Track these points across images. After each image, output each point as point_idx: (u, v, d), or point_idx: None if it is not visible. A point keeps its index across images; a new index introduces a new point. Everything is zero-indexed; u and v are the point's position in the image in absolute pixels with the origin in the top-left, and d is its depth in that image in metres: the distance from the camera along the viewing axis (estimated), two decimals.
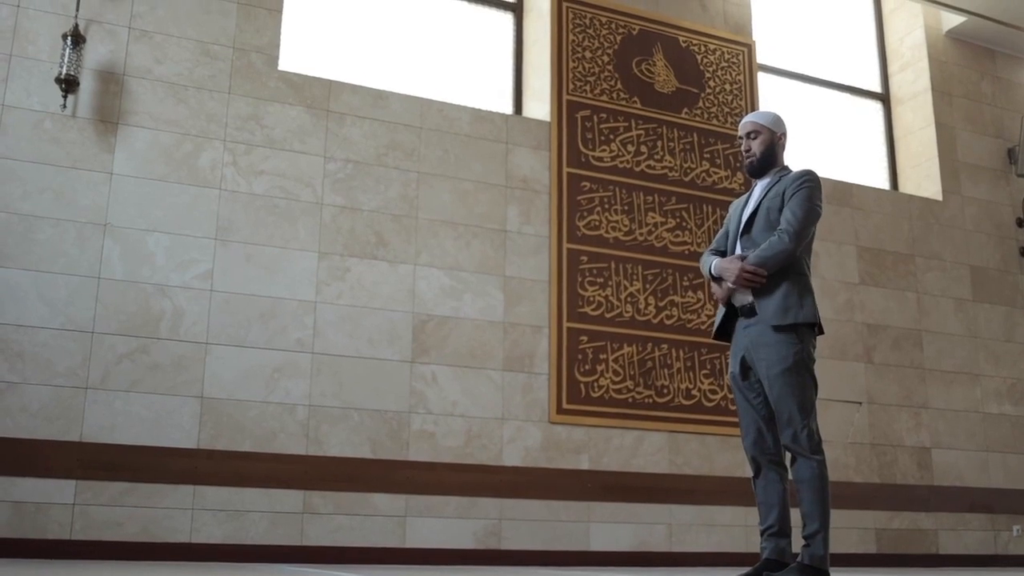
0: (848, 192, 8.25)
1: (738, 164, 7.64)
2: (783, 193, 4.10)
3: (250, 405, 5.89)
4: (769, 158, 4.23)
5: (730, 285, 4.08)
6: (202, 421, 5.77)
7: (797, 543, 3.95)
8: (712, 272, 4.18)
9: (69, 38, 5.80)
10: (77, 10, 5.91)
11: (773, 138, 4.24)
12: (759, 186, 4.25)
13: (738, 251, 4.17)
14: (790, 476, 4.03)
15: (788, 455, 4.02)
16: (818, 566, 3.80)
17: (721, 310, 4.20)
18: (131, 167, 5.92)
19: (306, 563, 5.70)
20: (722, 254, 4.28)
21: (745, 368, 4.10)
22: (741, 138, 4.29)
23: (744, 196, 4.36)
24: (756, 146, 4.23)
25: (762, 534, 4.02)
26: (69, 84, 5.78)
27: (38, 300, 5.56)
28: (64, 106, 5.80)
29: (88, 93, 5.93)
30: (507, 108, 7.46)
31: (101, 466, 5.50)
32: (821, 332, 4.09)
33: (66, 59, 5.78)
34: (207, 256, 5.98)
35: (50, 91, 5.81)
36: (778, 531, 3.99)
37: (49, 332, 5.55)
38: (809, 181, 4.11)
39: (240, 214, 6.11)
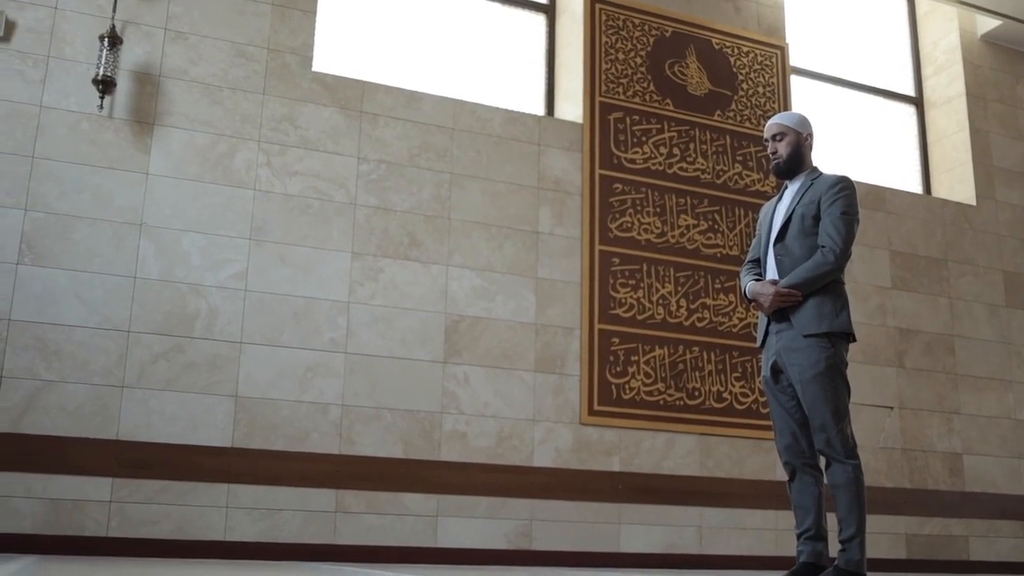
0: (881, 196, 8.20)
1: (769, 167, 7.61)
2: (818, 200, 4.07)
3: (283, 404, 5.93)
4: (796, 159, 4.21)
5: (765, 309, 4.07)
6: (236, 420, 5.81)
7: (834, 547, 3.94)
8: (747, 295, 4.18)
9: (106, 39, 5.85)
10: (114, 12, 5.95)
11: (799, 139, 4.21)
12: (790, 189, 4.23)
13: (771, 258, 4.15)
14: (825, 480, 4.02)
15: (823, 459, 4.00)
16: (855, 570, 3.79)
17: (763, 318, 4.18)
18: (167, 167, 5.97)
19: (338, 562, 5.72)
20: (758, 262, 4.27)
21: (776, 371, 4.09)
22: (767, 140, 4.28)
23: (774, 200, 4.34)
24: (782, 148, 4.22)
25: (798, 538, 4.01)
26: (106, 85, 5.83)
27: (75, 299, 5.61)
28: (101, 107, 5.85)
29: (124, 94, 5.98)
30: (539, 110, 7.47)
31: (137, 464, 5.55)
32: (854, 340, 4.07)
33: (103, 60, 5.83)
34: (241, 256, 6.02)
35: (87, 92, 5.87)
36: (815, 535, 3.97)
37: (86, 331, 5.60)
38: (845, 189, 4.08)
39: (274, 214, 6.14)
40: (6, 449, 5.33)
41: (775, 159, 4.23)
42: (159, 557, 5.43)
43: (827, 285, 3.99)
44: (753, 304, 4.18)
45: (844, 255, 4.00)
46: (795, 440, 4.04)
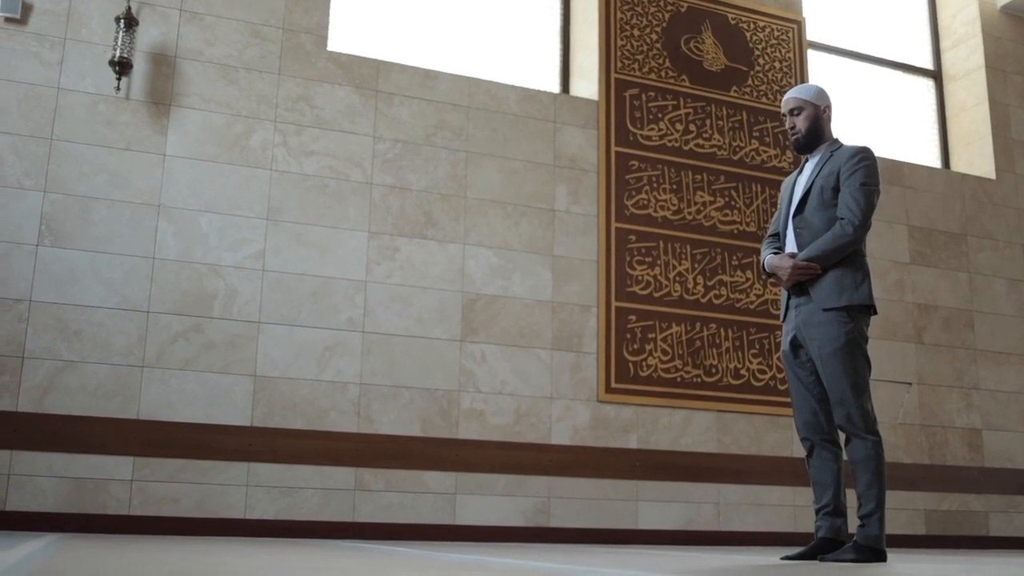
0: (899, 171, 8.16)
1: (787, 143, 7.58)
2: (838, 172, 4.02)
3: (302, 383, 5.96)
4: (816, 133, 4.15)
5: (783, 283, 4.04)
6: (255, 399, 5.84)
7: (853, 522, 3.94)
8: (766, 269, 4.15)
9: (122, 21, 5.86)
10: None
11: (817, 112, 4.15)
12: (810, 163, 4.18)
13: (790, 231, 4.12)
14: (844, 456, 4.01)
15: (843, 435, 3.99)
16: (874, 546, 3.78)
17: (784, 292, 4.16)
18: (183, 148, 5.99)
19: (358, 539, 5.76)
20: (779, 237, 4.24)
21: (796, 346, 4.07)
22: (785, 115, 4.22)
23: (794, 173, 4.29)
24: (801, 122, 4.16)
25: (817, 513, 4.01)
26: (122, 66, 5.85)
27: (94, 280, 5.65)
28: (118, 88, 5.87)
29: (141, 75, 6.00)
30: (555, 87, 7.45)
31: (158, 443, 5.59)
32: (875, 313, 4.04)
33: (119, 42, 5.84)
34: (259, 236, 6.04)
35: (104, 74, 5.89)
36: (833, 510, 3.97)
37: (106, 311, 5.64)
38: (865, 160, 4.02)
39: (291, 194, 6.16)
40: (29, 429, 5.38)
41: (794, 134, 4.17)
42: (180, 535, 5.47)
43: (847, 257, 3.95)
44: (772, 279, 4.16)
45: (863, 227, 3.95)
46: (814, 416, 4.03)
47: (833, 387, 3.89)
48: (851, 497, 3.97)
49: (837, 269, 3.95)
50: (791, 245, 4.11)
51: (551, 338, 6.63)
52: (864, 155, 4.03)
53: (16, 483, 5.32)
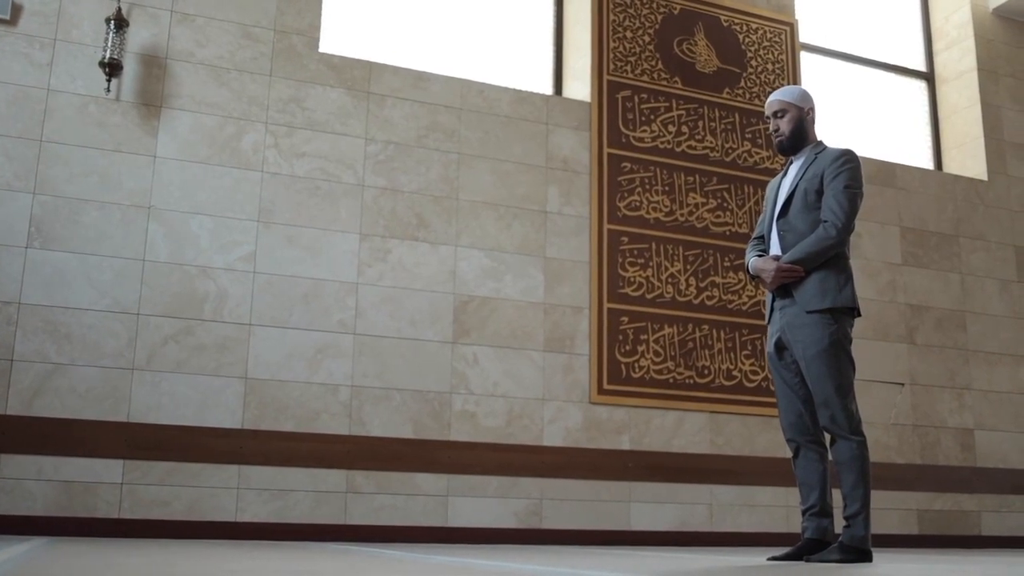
0: (892, 172, 8.17)
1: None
2: (821, 174, 4.04)
3: (293, 386, 5.95)
4: (799, 135, 4.17)
5: (768, 285, 4.05)
6: (246, 401, 5.84)
7: (839, 523, 3.94)
8: (750, 271, 4.16)
9: (112, 22, 5.85)
10: None
11: (801, 114, 4.17)
12: (795, 165, 4.20)
13: (775, 234, 4.14)
14: (830, 456, 4.02)
15: (828, 436, 4.00)
16: (859, 547, 3.79)
17: (769, 295, 4.18)
18: (174, 150, 5.98)
19: (349, 541, 5.76)
20: (764, 239, 4.25)
21: (781, 348, 4.08)
22: (768, 118, 4.24)
23: (779, 176, 4.31)
24: (784, 125, 4.17)
25: (803, 514, 4.02)
26: (113, 68, 5.84)
27: (85, 282, 5.64)
28: (108, 90, 5.86)
29: (131, 77, 5.99)
30: (547, 89, 7.45)
31: (148, 446, 5.59)
32: (858, 315, 4.05)
33: (110, 43, 5.84)
34: (250, 238, 6.03)
35: (94, 75, 5.88)
36: (819, 511, 3.98)
37: (96, 314, 5.63)
38: (849, 163, 4.04)
39: (282, 196, 6.16)
40: (18, 431, 5.37)
41: (777, 136, 4.19)
42: (170, 538, 5.47)
43: (830, 260, 3.97)
44: (757, 280, 4.17)
45: (846, 229, 3.96)
46: (800, 417, 4.04)
47: (817, 388, 3.90)
48: (837, 497, 3.97)
49: (820, 271, 3.96)
50: (775, 247, 4.12)
51: (543, 340, 6.63)
52: (847, 158, 4.04)
53: (4, 487, 5.31)
